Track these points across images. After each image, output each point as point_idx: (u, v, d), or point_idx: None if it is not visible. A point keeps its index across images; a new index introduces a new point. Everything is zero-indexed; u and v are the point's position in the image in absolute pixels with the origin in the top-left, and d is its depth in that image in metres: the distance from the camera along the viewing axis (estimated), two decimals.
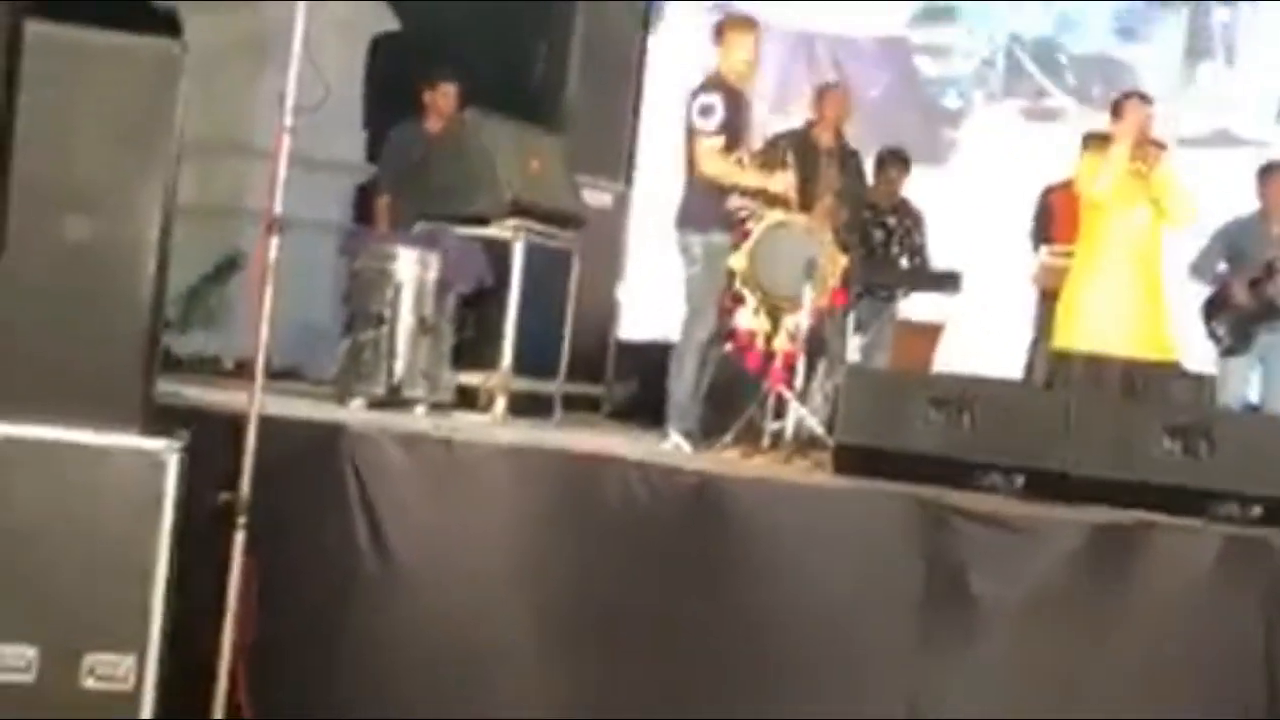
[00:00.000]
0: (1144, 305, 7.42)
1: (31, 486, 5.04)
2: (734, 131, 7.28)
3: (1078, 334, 7.45)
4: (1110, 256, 7.42)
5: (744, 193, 7.35)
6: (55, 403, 5.05)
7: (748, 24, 7.51)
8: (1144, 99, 7.63)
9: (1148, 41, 10.20)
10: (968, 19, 11.18)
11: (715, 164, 7.21)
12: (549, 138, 8.86)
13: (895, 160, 9.25)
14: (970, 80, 11.19)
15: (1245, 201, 8.69)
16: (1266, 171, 8.73)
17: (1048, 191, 8.95)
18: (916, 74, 11.28)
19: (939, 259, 9.26)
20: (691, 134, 7.27)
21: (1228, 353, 8.51)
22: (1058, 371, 7.57)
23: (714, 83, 7.31)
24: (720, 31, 7.46)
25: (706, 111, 7.21)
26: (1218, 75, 10.14)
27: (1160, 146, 7.55)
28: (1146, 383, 7.33)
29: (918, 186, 9.37)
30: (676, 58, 11.05)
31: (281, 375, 8.64)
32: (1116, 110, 7.54)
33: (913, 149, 9.54)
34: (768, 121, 8.10)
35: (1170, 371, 7.64)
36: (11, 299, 5.08)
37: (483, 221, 7.93)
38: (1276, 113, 10.25)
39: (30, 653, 5.00)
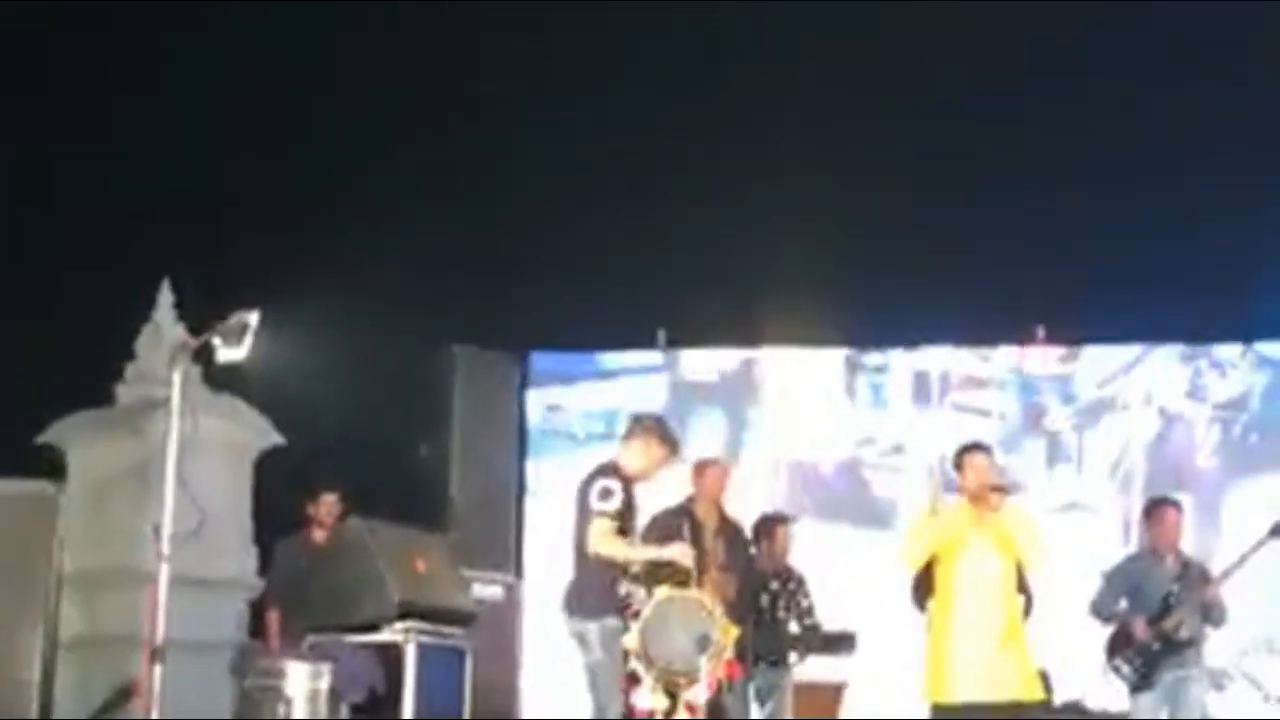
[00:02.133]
0: (1006, 648, 7.56)
1: None
2: (628, 518, 7.42)
3: (948, 687, 7.55)
4: (965, 606, 7.61)
5: (634, 576, 7.42)
6: None
7: (660, 435, 7.69)
8: (982, 449, 7.93)
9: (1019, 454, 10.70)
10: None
11: (611, 545, 7.31)
12: (434, 536, 8.95)
13: (776, 523, 9.37)
14: None
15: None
16: (1152, 509, 8.94)
17: None
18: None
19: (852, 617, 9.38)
20: (586, 516, 7.38)
21: (1135, 689, 8.57)
22: None
23: (612, 470, 7.49)
24: (631, 433, 7.70)
25: (605, 495, 7.34)
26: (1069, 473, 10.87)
27: (1003, 491, 7.81)
28: None
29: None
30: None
31: None
32: (958, 464, 7.84)
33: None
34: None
35: (1041, 710, 7.71)
36: None
37: (372, 628, 7.93)
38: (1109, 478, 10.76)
39: None
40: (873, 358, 11.06)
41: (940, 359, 10.93)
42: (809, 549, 9.73)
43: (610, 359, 11.47)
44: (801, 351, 11.27)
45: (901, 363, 11.01)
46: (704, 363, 11.44)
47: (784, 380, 11.30)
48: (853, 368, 11.10)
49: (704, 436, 11.06)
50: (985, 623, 7.57)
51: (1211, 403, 10.55)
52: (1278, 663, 10.52)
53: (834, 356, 11.19)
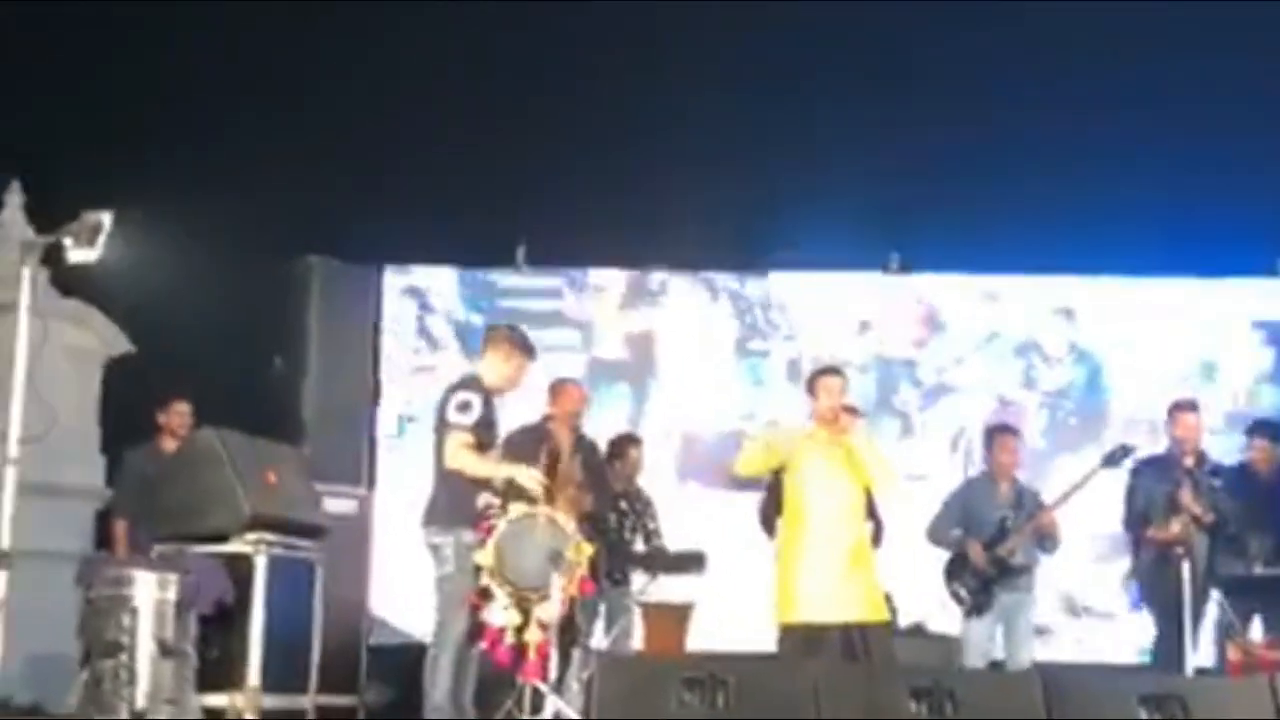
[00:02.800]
0: (855, 570, 7.68)
1: None
2: (487, 430, 7.42)
3: (797, 607, 7.66)
4: (815, 527, 7.71)
5: (494, 490, 7.43)
6: None
7: (515, 341, 7.73)
8: (835, 372, 8.03)
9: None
10: None
11: (467, 459, 7.31)
12: (286, 449, 8.86)
13: (629, 444, 9.44)
14: None
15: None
16: (992, 434, 9.14)
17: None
18: None
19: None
20: (445, 429, 7.36)
21: (970, 613, 8.76)
22: (783, 643, 7.73)
23: (473, 382, 7.48)
24: (489, 342, 7.70)
25: (464, 408, 7.35)
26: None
27: (854, 413, 7.92)
28: (867, 644, 7.53)
29: None
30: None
31: (24, 713, 8.35)
32: (811, 388, 7.95)
33: None
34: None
35: (887, 632, 7.87)
36: None
37: (222, 538, 7.86)
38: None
39: None
40: (756, 344, 11.55)
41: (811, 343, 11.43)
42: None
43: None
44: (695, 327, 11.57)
45: (778, 350, 11.53)
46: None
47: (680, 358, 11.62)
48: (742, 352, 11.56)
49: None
50: (834, 544, 7.69)
51: (1041, 390, 11.50)
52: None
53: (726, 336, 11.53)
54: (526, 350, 7.75)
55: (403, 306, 11.52)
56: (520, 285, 11.58)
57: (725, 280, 11.61)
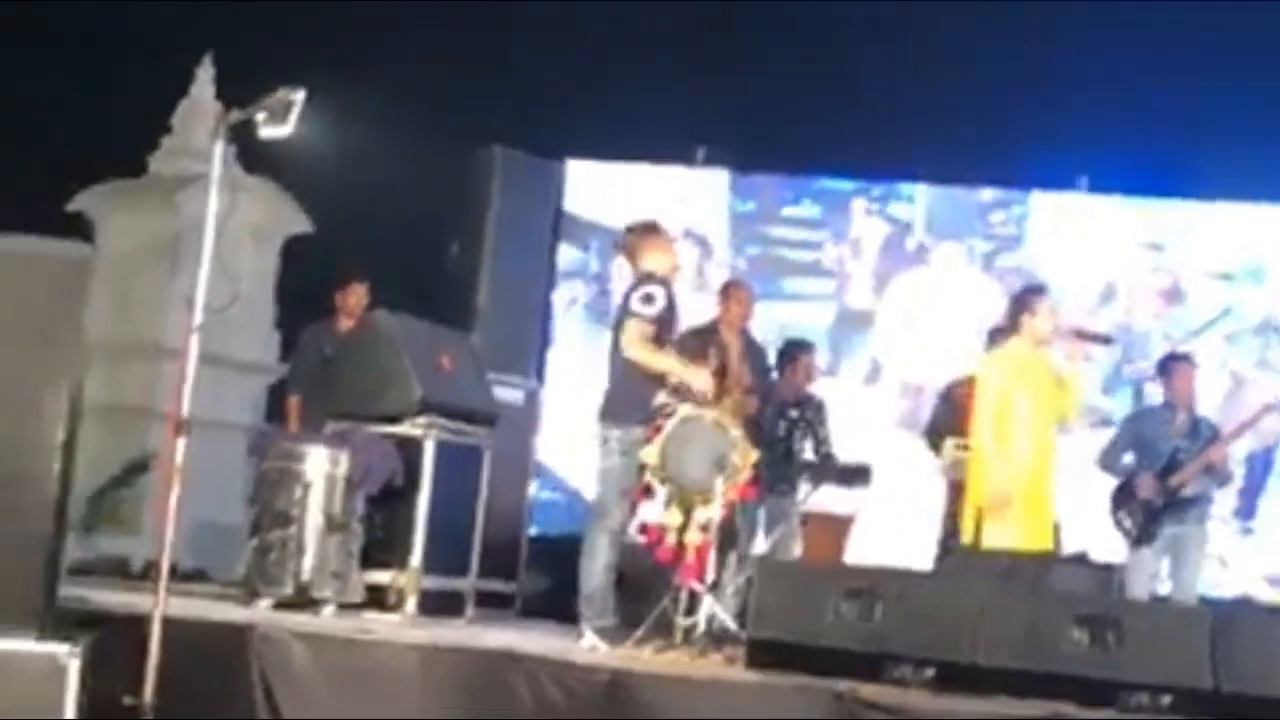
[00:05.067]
0: (1038, 497, 7.48)
1: None
2: (667, 326, 7.43)
3: (986, 529, 7.48)
4: (1012, 450, 7.47)
5: (669, 387, 7.43)
6: None
7: (658, 229, 7.72)
8: (1045, 292, 7.77)
9: None
10: None
11: (644, 351, 7.32)
12: (460, 335, 8.93)
13: (800, 350, 9.36)
14: None
15: None
16: (1168, 363, 8.91)
17: (952, 386, 9.05)
18: None
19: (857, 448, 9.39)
20: (627, 319, 7.37)
21: (1136, 544, 8.60)
22: (945, 562, 7.62)
23: (656, 278, 7.49)
24: (639, 237, 7.66)
25: (648, 300, 7.35)
26: None
27: (1102, 340, 7.78)
28: (1051, 575, 7.39)
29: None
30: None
31: (191, 577, 8.57)
32: (1021, 304, 7.65)
33: None
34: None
35: (1058, 562, 7.72)
36: None
37: (393, 420, 7.95)
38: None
39: None
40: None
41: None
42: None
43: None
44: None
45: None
46: None
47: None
48: None
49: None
50: (1029, 470, 7.45)
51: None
52: None
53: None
54: (669, 235, 7.79)
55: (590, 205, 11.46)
56: (786, 235, 11.44)
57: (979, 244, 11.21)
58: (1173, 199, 10.92)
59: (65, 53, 10.72)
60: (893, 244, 11.34)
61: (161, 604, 5.41)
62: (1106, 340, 8.32)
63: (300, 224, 10.86)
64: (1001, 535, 7.38)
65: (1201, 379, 9.01)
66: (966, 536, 7.46)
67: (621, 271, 8.69)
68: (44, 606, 5.19)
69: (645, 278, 7.48)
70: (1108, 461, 8.76)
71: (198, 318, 5.53)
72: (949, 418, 8.86)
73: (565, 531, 9.19)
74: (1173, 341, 10.50)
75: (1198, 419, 8.75)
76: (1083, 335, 7.72)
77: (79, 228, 10.21)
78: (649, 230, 7.70)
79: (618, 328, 7.44)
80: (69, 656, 5.05)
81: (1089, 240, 11.01)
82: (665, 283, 7.46)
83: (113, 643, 5.45)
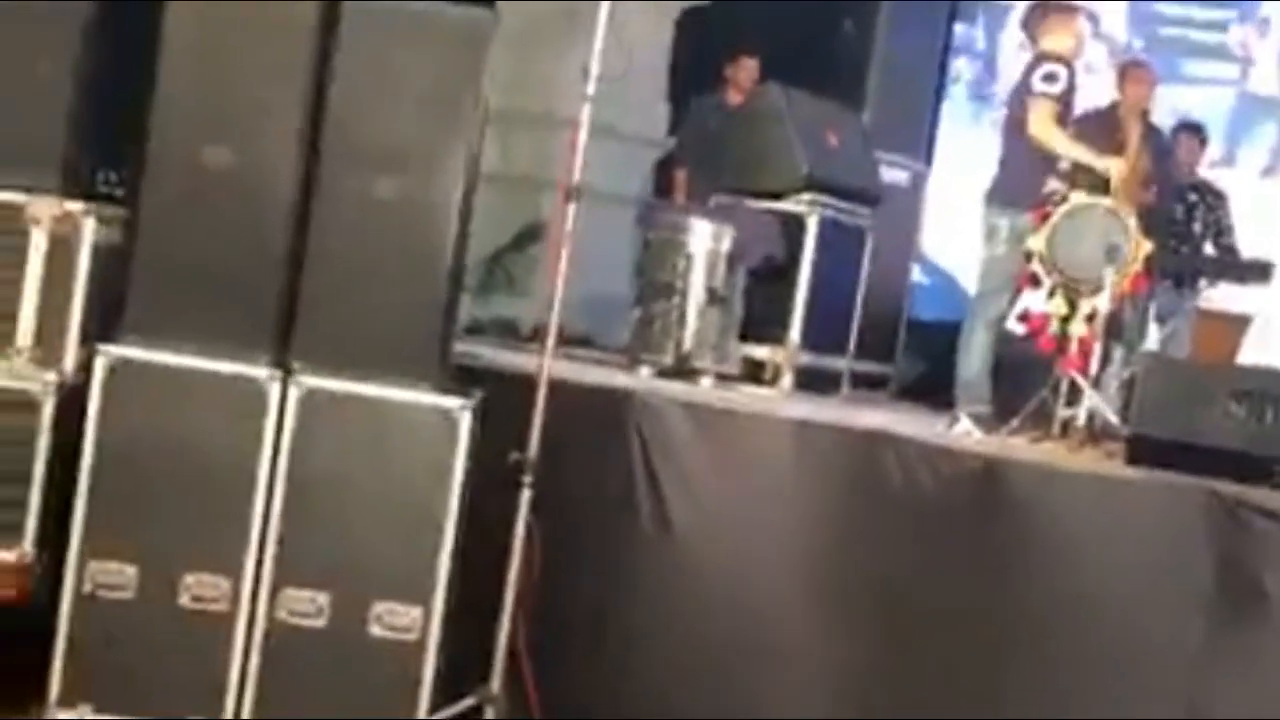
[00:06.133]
0: None
1: (331, 437, 5.24)
2: (1068, 107, 7.25)
3: None
4: None
5: (1062, 174, 7.24)
6: (358, 357, 5.25)
7: (1069, 8, 7.50)
8: None
9: None
10: None
11: (1048, 129, 7.15)
12: (849, 113, 8.84)
13: (1191, 134, 8.94)
14: None
15: None
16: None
17: None
18: None
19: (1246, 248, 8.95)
20: (1029, 98, 7.22)
21: None
22: None
23: (1057, 56, 7.29)
24: (1043, 15, 7.46)
25: (1051, 78, 7.20)
26: None
27: None
28: None
29: None
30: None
31: (575, 342, 8.82)
32: None
33: None
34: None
35: None
36: (321, 256, 5.28)
37: (778, 196, 7.95)
38: None
39: (322, 599, 5.20)
40: None
41: None
42: None
43: None
44: None
45: None
46: None
47: None
48: None
49: None
50: None
51: None
52: None
53: None
54: (1077, 11, 7.56)
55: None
56: (1189, 14, 10.94)
57: None
58: None
59: None
60: None
61: (547, 366, 5.58)
62: None
63: None
64: None
65: None
66: None
67: (1008, 48, 8.43)
68: (440, 362, 5.41)
69: (1044, 55, 7.25)
70: None
71: (591, 87, 5.59)
72: None
73: (944, 317, 9.10)
74: None
75: None
76: None
77: None
78: (1058, 5, 7.47)
79: (1016, 106, 7.24)
80: (461, 410, 5.26)
81: None
82: (1067, 61, 7.22)
83: (501, 400, 5.65)
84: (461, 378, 5.67)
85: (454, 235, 5.38)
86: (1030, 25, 7.55)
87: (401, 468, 5.24)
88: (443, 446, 5.23)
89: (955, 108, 10.91)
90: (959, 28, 11.05)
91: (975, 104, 10.67)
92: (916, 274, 10.20)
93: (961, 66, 11.07)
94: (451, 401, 5.27)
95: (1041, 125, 7.15)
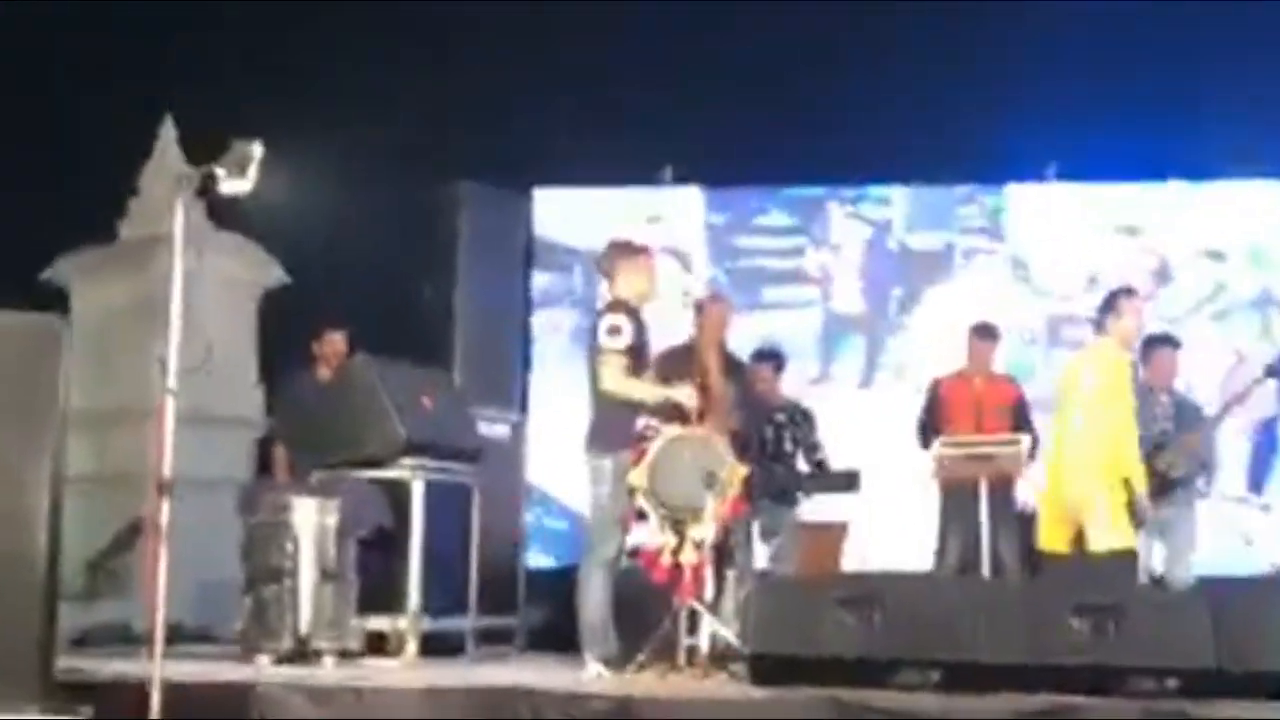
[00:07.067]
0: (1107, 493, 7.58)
1: None
2: (639, 352, 7.40)
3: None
4: (1080, 449, 7.64)
5: (650, 411, 7.42)
6: None
7: (639, 250, 7.69)
8: (1135, 293, 7.97)
9: None
10: None
11: (622, 382, 7.31)
12: (440, 374, 8.94)
13: (764, 361, 9.31)
14: None
15: None
16: (1149, 345, 8.88)
17: (938, 384, 9.04)
18: None
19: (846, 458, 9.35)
20: (598, 354, 7.36)
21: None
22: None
23: (619, 305, 7.46)
24: (615, 257, 7.62)
25: (614, 332, 7.32)
26: None
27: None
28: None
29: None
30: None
31: (192, 638, 8.55)
32: (1111, 306, 7.79)
33: None
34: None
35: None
36: None
37: (379, 464, 7.94)
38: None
39: None
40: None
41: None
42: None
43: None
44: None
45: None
46: None
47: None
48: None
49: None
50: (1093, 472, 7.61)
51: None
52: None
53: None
54: (645, 250, 7.69)
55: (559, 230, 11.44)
56: (763, 244, 11.47)
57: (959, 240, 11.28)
58: (1143, 182, 10.98)
59: (26, 125, 10.72)
60: (875, 245, 11.36)
61: (158, 670, 5.39)
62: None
63: (275, 275, 10.84)
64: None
65: (1205, 356, 9.06)
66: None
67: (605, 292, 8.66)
68: (41, 681, 5.16)
69: (611, 306, 7.46)
70: None
71: (172, 379, 5.52)
72: (936, 414, 8.87)
73: (566, 561, 9.17)
74: (1165, 321, 10.43)
75: (1180, 400, 8.76)
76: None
77: (53, 298, 10.21)
78: (628, 249, 7.66)
79: (592, 362, 7.42)
80: None
81: (1067, 228, 11.07)
82: (631, 310, 7.41)
83: (115, 711, 5.43)
84: (67, 694, 5.40)
85: (44, 547, 5.19)
86: (603, 266, 7.73)
87: None
88: None
89: (560, 352, 11.09)
90: (554, 278, 11.35)
91: (579, 347, 10.87)
92: (541, 518, 10.27)
93: (562, 314, 11.35)
94: None
95: (613, 380, 7.31)
